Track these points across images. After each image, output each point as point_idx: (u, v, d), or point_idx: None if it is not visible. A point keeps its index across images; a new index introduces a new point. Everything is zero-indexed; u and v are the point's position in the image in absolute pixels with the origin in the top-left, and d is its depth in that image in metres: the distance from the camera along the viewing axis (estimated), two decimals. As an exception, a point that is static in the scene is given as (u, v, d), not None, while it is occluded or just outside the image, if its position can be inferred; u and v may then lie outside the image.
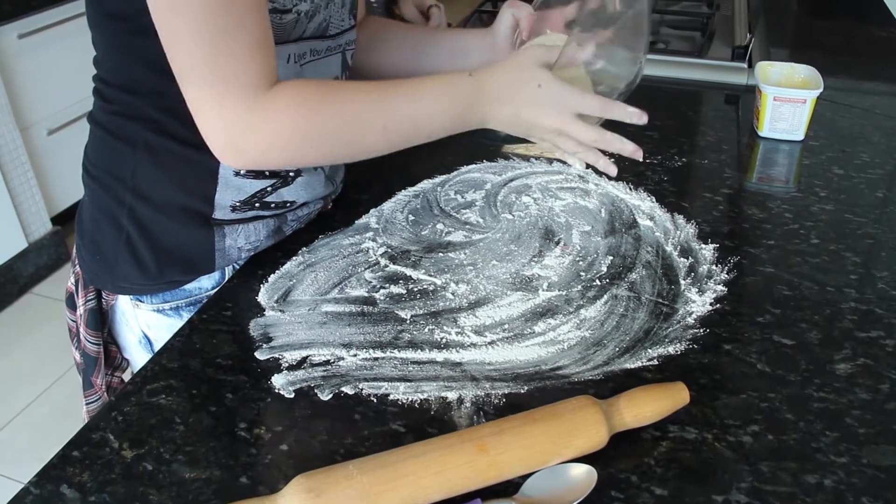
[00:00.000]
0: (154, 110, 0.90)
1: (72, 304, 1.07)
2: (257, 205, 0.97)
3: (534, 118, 0.88)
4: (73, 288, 1.06)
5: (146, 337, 1.03)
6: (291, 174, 0.98)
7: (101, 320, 1.04)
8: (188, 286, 0.99)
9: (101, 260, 0.99)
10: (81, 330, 1.04)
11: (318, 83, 0.87)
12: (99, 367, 1.04)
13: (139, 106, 0.90)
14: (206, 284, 0.99)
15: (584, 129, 0.87)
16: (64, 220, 2.80)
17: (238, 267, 1.00)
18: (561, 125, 0.87)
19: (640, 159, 0.90)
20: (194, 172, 0.93)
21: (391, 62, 1.15)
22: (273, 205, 0.98)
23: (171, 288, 0.99)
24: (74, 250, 1.06)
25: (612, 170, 0.92)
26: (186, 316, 0.98)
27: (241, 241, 0.98)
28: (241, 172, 0.94)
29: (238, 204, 0.96)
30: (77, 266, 1.04)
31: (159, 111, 0.89)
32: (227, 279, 0.99)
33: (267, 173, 0.95)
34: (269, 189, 0.97)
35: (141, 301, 1.00)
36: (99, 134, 0.96)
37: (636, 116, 0.87)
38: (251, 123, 0.81)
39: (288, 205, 1.00)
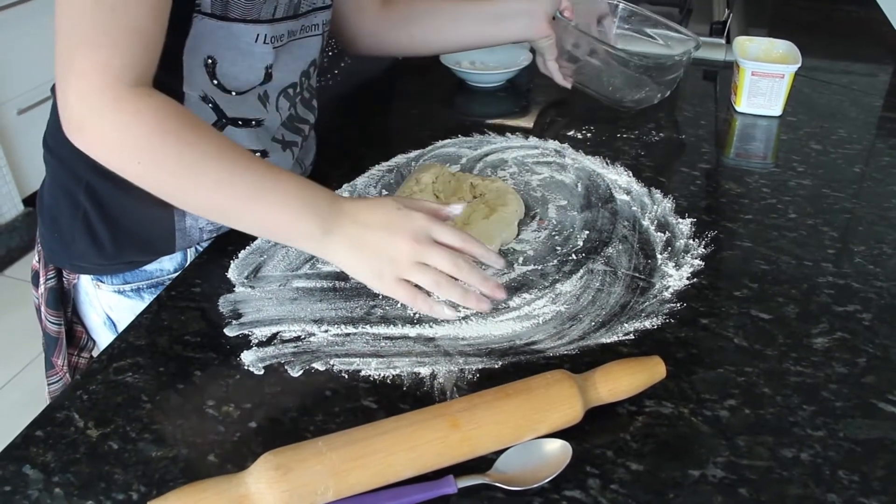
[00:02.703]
0: None
1: (36, 282, 1.04)
2: None
3: (385, 240, 0.81)
4: (38, 265, 1.03)
5: (110, 318, 1.01)
6: (258, 154, 0.95)
7: (63, 300, 1.02)
8: (148, 267, 0.96)
9: (58, 238, 0.96)
10: (42, 309, 1.02)
11: (186, 112, 0.81)
12: (59, 347, 1.02)
13: None
14: (167, 266, 0.97)
15: (443, 254, 0.82)
16: (35, 201, 2.76)
17: (200, 249, 0.98)
18: (417, 247, 0.81)
19: (499, 298, 0.85)
20: None
21: (430, 34, 1.18)
22: None
23: (131, 269, 0.96)
24: (38, 227, 1.04)
25: (485, 306, 0.83)
26: (148, 298, 0.95)
27: (202, 222, 0.96)
28: None
29: None
30: (39, 244, 1.02)
31: None
32: (189, 261, 0.97)
33: None
34: None
35: (102, 282, 0.98)
36: None
37: (497, 263, 0.88)
38: (102, 108, 0.75)
39: None
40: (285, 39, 0.91)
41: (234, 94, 0.90)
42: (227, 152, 0.79)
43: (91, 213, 0.92)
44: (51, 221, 0.97)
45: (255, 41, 0.87)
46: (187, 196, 0.80)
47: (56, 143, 0.94)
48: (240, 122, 0.92)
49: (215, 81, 0.88)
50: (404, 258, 0.81)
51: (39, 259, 1.02)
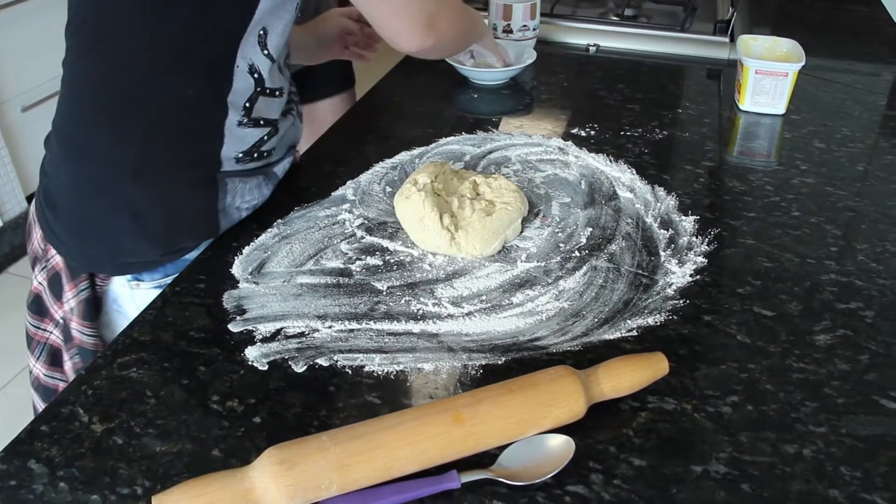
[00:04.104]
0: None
1: (37, 310, 1.02)
2: (255, 154, 0.98)
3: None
4: (41, 288, 1.01)
5: None
6: (278, 121, 1.00)
7: (97, 309, 1.00)
8: (190, 256, 0.97)
9: (98, 241, 0.95)
10: (74, 324, 0.99)
11: None
12: None
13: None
14: None
15: None
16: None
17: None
18: None
19: None
20: (204, 127, 0.93)
21: None
22: (266, 153, 1.00)
23: (176, 258, 0.97)
24: (37, 244, 1.01)
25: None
26: None
27: (238, 201, 0.98)
28: (244, 122, 0.95)
29: (241, 155, 0.97)
30: (51, 259, 0.99)
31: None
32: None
33: (262, 122, 0.97)
34: (265, 138, 0.98)
35: (141, 280, 0.97)
36: (96, 103, 0.92)
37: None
38: (436, 17, 0.97)
39: (273, 152, 1.02)
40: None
41: (274, 62, 0.95)
42: None
43: (139, 202, 0.92)
44: (84, 226, 0.95)
45: (295, 9, 0.93)
46: (469, 35, 1.23)
47: (87, 141, 0.93)
48: (268, 91, 0.96)
49: (266, 51, 0.93)
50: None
51: (51, 278, 0.99)
